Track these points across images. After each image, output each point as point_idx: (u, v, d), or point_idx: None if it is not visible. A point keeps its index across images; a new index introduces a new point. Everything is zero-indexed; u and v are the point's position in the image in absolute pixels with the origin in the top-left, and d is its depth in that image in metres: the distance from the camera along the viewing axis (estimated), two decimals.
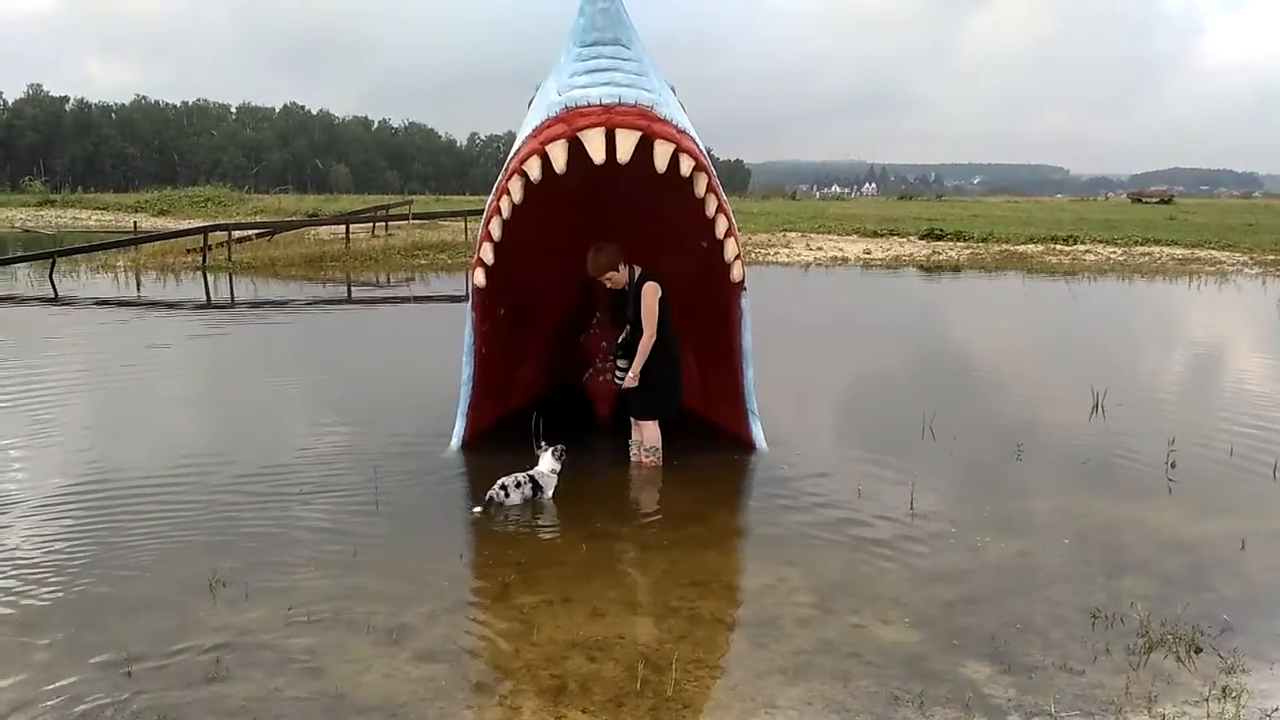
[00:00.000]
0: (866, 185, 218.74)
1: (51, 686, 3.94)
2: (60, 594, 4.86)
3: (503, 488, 6.13)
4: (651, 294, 6.83)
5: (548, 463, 6.37)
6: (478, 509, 6.02)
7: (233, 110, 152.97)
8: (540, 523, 5.99)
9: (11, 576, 5.06)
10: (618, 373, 7.32)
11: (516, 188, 6.33)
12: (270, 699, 3.84)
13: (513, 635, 4.45)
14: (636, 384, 6.95)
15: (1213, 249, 29.33)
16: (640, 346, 6.88)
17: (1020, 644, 4.37)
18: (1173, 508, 6.36)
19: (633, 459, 7.20)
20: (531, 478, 6.26)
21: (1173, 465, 7.08)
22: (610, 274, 6.91)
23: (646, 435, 7.11)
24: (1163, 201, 63.29)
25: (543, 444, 6.48)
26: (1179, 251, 28.71)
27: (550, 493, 6.33)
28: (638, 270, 6.94)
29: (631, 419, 7.20)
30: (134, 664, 4.09)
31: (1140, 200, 66.24)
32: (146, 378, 10.93)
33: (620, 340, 7.19)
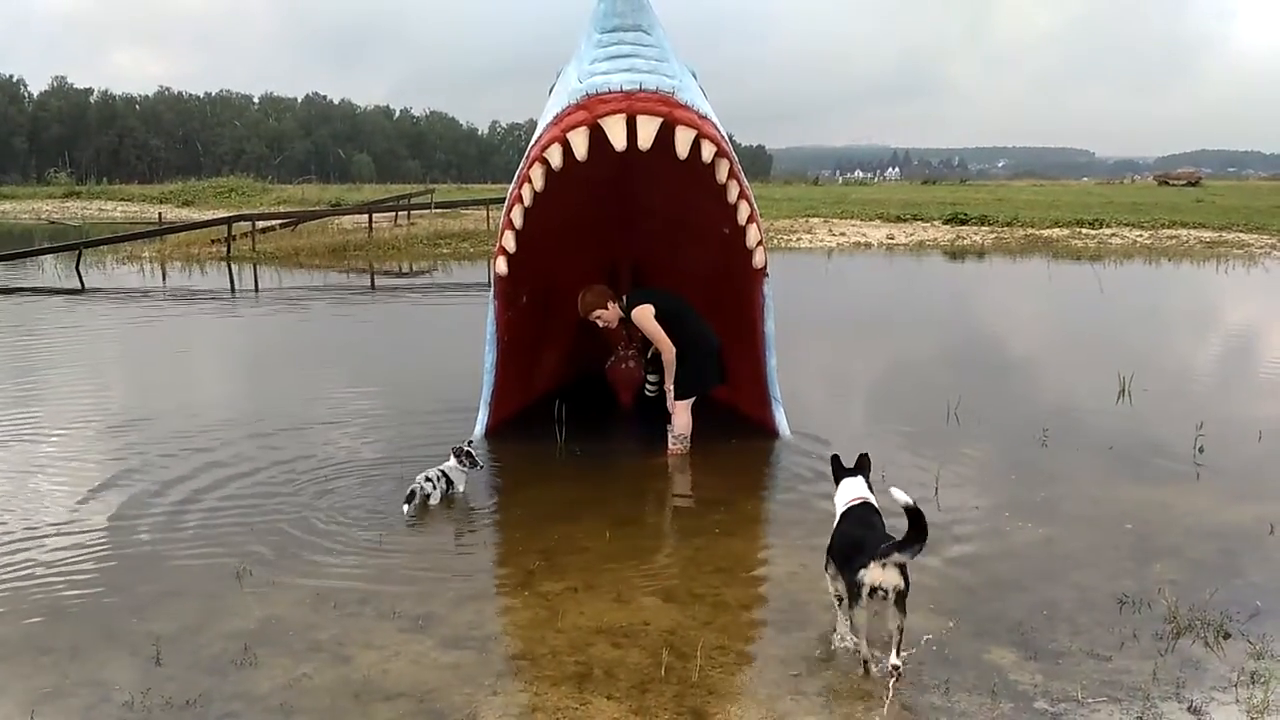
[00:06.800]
0: (890, 170, 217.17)
1: (81, 674, 3.99)
2: (89, 581, 4.91)
3: (428, 479, 5.97)
4: (646, 317, 6.83)
5: (454, 462, 6.15)
6: (406, 506, 5.82)
7: (255, 101, 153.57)
8: (564, 510, 5.99)
9: (40, 564, 5.13)
10: (649, 387, 7.41)
11: (538, 175, 6.32)
12: (298, 685, 3.87)
13: (537, 622, 4.46)
14: (674, 402, 6.98)
15: (1240, 231, 29.00)
16: (664, 363, 6.92)
17: (1047, 630, 4.34)
18: (1201, 493, 6.30)
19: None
20: (444, 473, 6.07)
21: (1200, 450, 7.01)
22: (598, 312, 6.94)
23: (677, 421, 7.07)
24: (1190, 184, 62.47)
25: (458, 448, 6.24)
26: (1206, 234, 28.41)
27: (461, 487, 6.12)
28: (624, 299, 6.96)
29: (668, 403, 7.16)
30: (163, 651, 4.13)
31: (1167, 183, 65.40)
32: (174, 365, 11.04)
33: (649, 355, 7.23)
